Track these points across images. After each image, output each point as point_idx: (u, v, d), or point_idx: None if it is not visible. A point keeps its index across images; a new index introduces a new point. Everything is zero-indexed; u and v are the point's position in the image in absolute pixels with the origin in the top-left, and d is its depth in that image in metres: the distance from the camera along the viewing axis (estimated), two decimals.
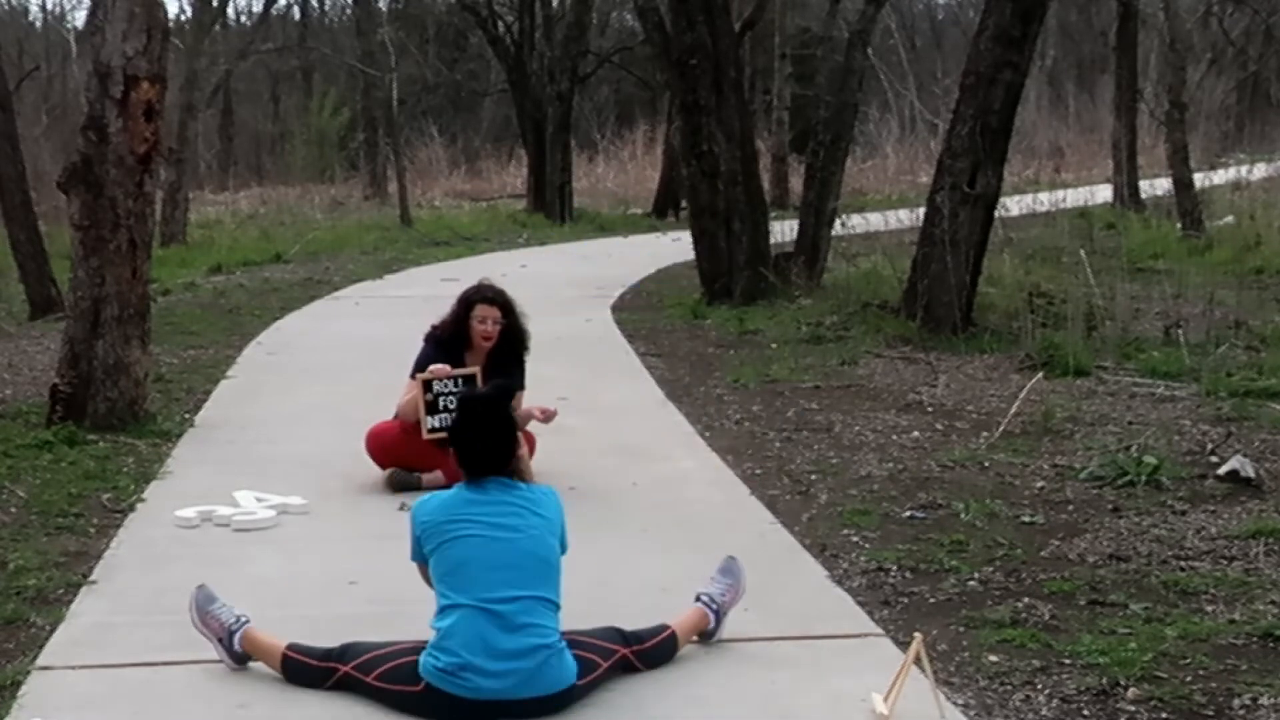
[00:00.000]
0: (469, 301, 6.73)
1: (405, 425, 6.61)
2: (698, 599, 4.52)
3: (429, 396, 6.47)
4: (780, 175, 27.17)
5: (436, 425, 6.43)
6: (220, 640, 4.32)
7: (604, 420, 8.09)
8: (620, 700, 4.11)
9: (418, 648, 4.07)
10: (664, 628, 4.39)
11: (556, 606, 4.12)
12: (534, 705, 3.97)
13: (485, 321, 6.65)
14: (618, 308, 13.87)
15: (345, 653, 4.19)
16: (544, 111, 26.65)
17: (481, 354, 6.71)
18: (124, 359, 7.86)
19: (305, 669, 4.21)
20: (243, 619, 4.34)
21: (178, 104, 20.08)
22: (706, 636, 4.50)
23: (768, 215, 14.34)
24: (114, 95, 7.76)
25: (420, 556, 4.27)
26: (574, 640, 4.14)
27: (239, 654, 4.30)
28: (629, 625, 4.35)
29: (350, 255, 19.65)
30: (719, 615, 4.51)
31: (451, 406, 6.40)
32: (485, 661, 3.94)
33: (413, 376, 6.65)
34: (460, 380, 6.48)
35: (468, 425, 4.31)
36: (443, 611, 4.06)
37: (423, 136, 35.65)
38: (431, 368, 6.55)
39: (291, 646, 4.27)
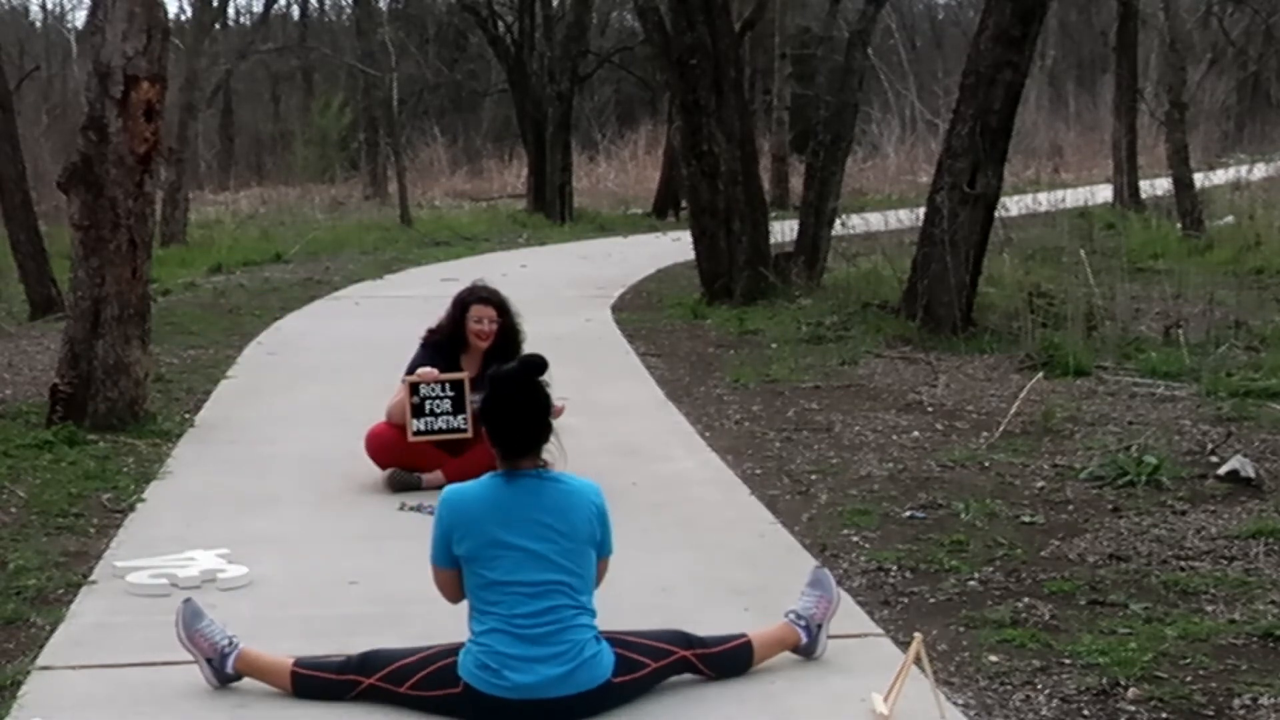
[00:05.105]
0: (464, 303, 6.72)
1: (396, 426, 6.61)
2: (785, 615, 4.38)
3: (415, 399, 6.49)
4: (780, 175, 27.15)
5: (422, 428, 6.49)
6: (209, 660, 4.16)
7: (604, 420, 8.07)
8: None
9: (452, 649, 4.00)
10: (739, 636, 4.29)
11: (589, 609, 4.04)
12: (574, 702, 3.91)
13: (482, 321, 6.64)
14: (618, 308, 13.86)
15: (366, 663, 4.04)
16: (544, 111, 26.65)
17: (477, 356, 6.70)
18: (124, 359, 7.85)
19: (321, 683, 4.06)
20: (235, 640, 4.17)
21: (178, 104, 20.08)
22: (806, 653, 4.34)
23: (768, 215, 14.35)
24: (114, 95, 7.76)
25: (445, 559, 4.06)
26: (619, 639, 4.06)
27: (228, 675, 4.15)
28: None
29: (350, 255, 19.65)
30: (809, 629, 4.35)
31: (438, 410, 6.46)
32: (521, 662, 3.89)
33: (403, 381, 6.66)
34: (448, 385, 6.50)
35: (499, 404, 4.08)
36: (480, 616, 3.97)
37: (423, 136, 35.66)
38: (419, 371, 6.56)
39: (300, 662, 4.11)
